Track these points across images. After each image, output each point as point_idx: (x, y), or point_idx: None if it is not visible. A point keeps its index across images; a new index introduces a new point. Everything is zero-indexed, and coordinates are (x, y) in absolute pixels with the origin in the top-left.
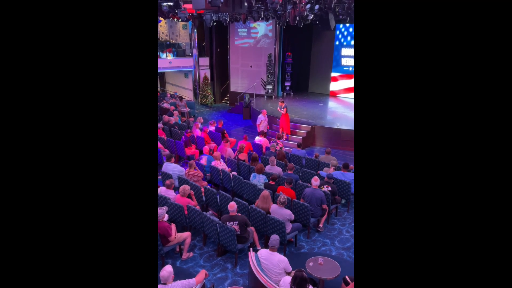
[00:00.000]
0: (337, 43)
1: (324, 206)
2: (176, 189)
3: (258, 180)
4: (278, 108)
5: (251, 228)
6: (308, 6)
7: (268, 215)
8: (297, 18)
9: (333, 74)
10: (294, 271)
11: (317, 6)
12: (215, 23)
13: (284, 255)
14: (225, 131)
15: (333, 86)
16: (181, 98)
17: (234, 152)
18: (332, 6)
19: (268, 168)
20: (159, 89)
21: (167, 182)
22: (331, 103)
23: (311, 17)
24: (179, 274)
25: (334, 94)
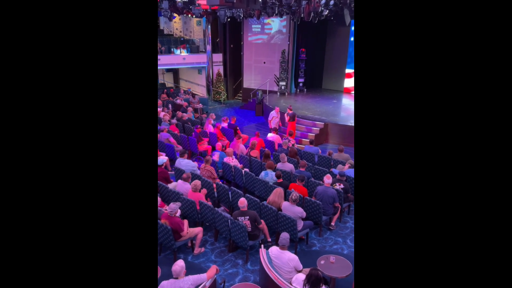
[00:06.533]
0: (352, 39)
1: (337, 204)
2: None
3: (271, 177)
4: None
5: (261, 225)
6: (323, 1)
7: (279, 212)
8: (312, 14)
9: (348, 71)
10: (309, 269)
11: (332, 2)
12: (229, 19)
13: (295, 252)
14: (238, 128)
15: (347, 83)
16: (193, 95)
17: (246, 149)
18: (347, 1)
19: (279, 165)
20: (173, 85)
21: (184, 175)
22: (345, 100)
23: (326, 13)
24: (191, 269)
25: (348, 91)
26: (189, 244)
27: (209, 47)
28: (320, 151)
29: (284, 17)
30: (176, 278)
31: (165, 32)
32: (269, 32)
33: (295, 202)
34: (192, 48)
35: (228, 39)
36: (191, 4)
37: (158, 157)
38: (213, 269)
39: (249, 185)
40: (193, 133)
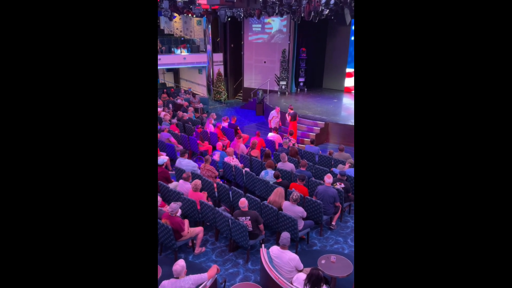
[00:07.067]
0: (352, 38)
1: (337, 203)
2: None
3: (271, 175)
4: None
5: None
6: (324, 1)
7: (280, 211)
8: (312, 13)
9: (348, 70)
10: (309, 269)
11: (332, 1)
12: (229, 19)
13: (296, 252)
14: (238, 127)
15: (348, 82)
16: (194, 95)
17: (247, 148)
18: (348, 0)
19: (280, 165)
20: (173, 85)
21: (184, 175)
22: (346, 99)
23: (326, 12)
24: (191, 269)
25: (349, 90)
26: (190, 244)
27: (209, 47)
28: (320, 151)
29: (285, 16)
30: (177, 277)
31: (166, 31)
32: (270, 32)
33: (296, 201)
34: (193, 47)
35: (228, 38)
36: (192, 3)
37: (159, 157)
38: (213, 268)
39: (250, 185)
40: (193, 133)
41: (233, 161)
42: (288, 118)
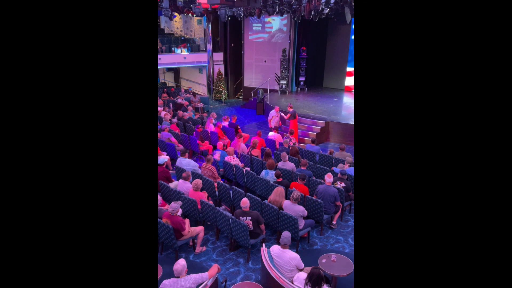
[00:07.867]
0: (353, 37)
1: (338, 203)
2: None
3: (271, 176)
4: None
5: (262, 226)
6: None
7: (281, 211)
8: (313, 12)
9: (349, 69)
10: (310, 268)
11: (332, 0)
12: (229, 18)
13: (297, 251)
14: (239, 127)
15: (348, 81)
16: (194, 94)
17: (247, 148)
18: None
19: (280, 164)
20: (173, 84)
21: (184, 174)
22: (346, 99)
23: (327, 11)
24: (192, 268)
25: (349, 89)
26: (191, 243)
27: (209, 46)
28: (321, 151)
29: (285, 15)
30: (178, 277)
31: (166, 31)
32: (270, 31)
33: (297, 201)
34: (193, 47)
35: (228, 38)
36: (192, 3)
37: (159, 157)
38: (214, 268)
39: (250, 184)
40: (194, 132)
41: (234, 161)
42: (286, 116)
